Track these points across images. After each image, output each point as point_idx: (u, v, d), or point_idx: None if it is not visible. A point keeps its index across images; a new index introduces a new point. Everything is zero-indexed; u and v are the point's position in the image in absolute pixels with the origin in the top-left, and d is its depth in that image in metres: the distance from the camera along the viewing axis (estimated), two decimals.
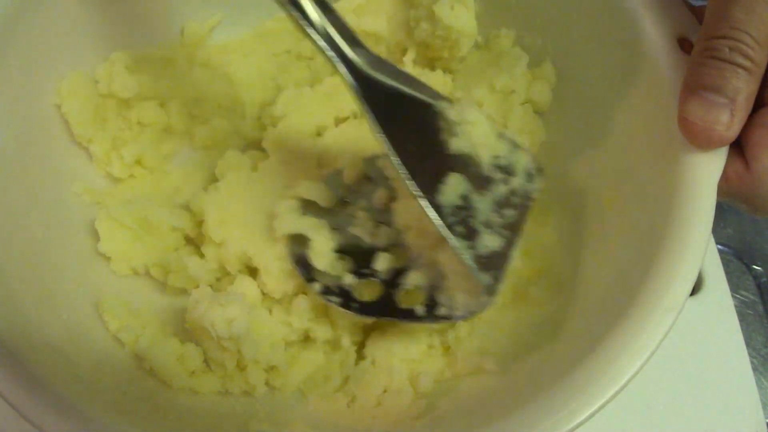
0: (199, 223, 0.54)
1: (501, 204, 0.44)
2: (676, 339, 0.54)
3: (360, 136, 0.57)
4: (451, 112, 0.44)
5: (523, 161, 0.45)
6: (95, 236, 0.52)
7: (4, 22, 0.48)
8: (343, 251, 0.50)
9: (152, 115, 0.57)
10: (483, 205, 0.43)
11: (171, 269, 0.54)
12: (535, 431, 0.37)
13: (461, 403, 0.48)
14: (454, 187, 0.43)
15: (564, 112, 0.57)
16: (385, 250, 0.49)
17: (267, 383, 0.51)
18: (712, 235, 0.60)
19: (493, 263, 0.42)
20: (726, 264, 0.63)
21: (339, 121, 0.58)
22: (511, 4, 0.57)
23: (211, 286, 0.54)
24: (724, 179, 0.41)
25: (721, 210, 0.70)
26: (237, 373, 0.50)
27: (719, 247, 0.65)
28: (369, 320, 0.51)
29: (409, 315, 0.47)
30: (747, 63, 0.38)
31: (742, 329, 0.59)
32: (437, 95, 0.45)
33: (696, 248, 0.39)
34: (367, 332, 0.53)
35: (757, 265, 0.68)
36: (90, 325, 0.49)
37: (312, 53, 0.62)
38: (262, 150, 0.58)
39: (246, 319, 0.47)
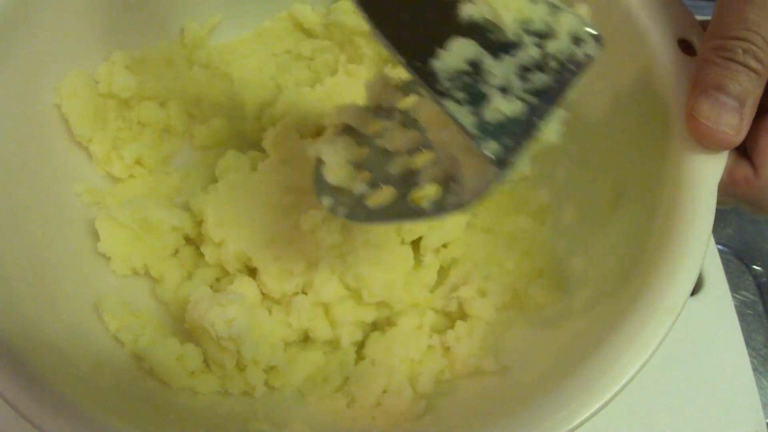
0: (199, 223, 0.54)
1: (529, 68, 0.35)
2: (676, 339, 0.54)
3: None
4: None
5: (568, 24, 0.36)
6: (95, 236, 0.52)
7: (5, 22, 0.48)
8: (362, 165, 0.45)
9: (152, 115, 0.57)
10: (500, 69, 0.35)
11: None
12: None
13: (461, 403, 0.48)
14: (457, 51, 0.35)
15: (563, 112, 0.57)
16: (409, 153, 0.44)
17: (266, 383, 0.51)
18: (712, 235, 0.61)
19: (507, 131, 0.34)
20: (726, 264, 0.63)
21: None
22: None
23: (210, 286, 0.54)
24: (733, 184, 0.41)
25: (721, 210, 0.70)
26: (236, 373, 0.50)
27: (719, 247, 0.65)
28: (375, 226, 0.47)
29: (417, 213, 0.40)
30: (758, 66, 0.38)
31: (742, 329, 0.59)
32: None
33: (696, 249, 0.39)
34: (366, 332, 0.53)
35: (757, 265, 0.68)
36: (90, 325, 0.49)
37: (312, 53, 0.62)
38: (262, 150, 0.58)
39: (246, 319, 0.47)
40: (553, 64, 0.35)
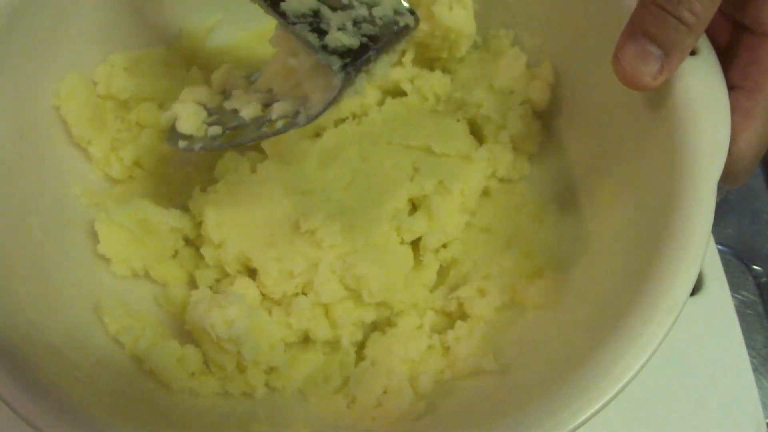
0: (198, 225, 0.54)
1: (360, 21, 0.44)
2: (676, 339, 0.54)
3: (360, 135, 0.57)
4: None
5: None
6: (95, 238, 0.52)
7: (3, 25, 0.48)
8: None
9: (151, 116, 0.57)
10: (336, 18, 0.44)
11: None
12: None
13: (461, 403, 0.48)
14: (296, 3, 0.43)
15: (563, 112, 0.57)
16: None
17: (267, 384, 0.51)
18: (712, 235, 0.61)
19: (345, 53, 0.43)
20: (726, 264, 0.62)
21: (338, 122, 0.58)
22: (509, 5, 0.57)
23: (210, 287, 0.54)
24: None
25: (721, 210, 0.70)
26: (237, 374, 0.50)
27: (719, 247, 0.64)
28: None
29: (270, 133, 0.47)
30: (691, 19, 0.38)
31: (742, 329, 0.59)
32: None
33: (696, 248, 0.39)
34: (366, 333, 0.53)
35: (757, 265, 0.68)
36: (90, 327, 0.49)
37: None
38: (261, 151, 0.57)
39: (246, 321, 0.47)
40: (379, 22, 0.44)
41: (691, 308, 0.58)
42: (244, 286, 0.52)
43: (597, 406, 0.37)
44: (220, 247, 0.53)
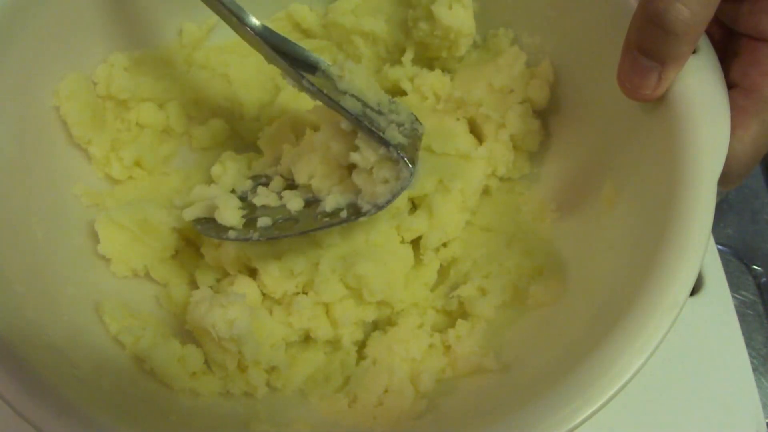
0: None
1: (397, 124, 0.49)
2: (676, 339, 0.54)
3: None
4: (335, 68, 0.49)
5: (404, 110, 0.51)
6: (95, 238, 0.52)
7: (2, 25, 0.48)
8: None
9: (151, 116, 0.57)
10: (382, 120, 0.49)
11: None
12: (537, 430, 0.37)
13: (463, 402, 0.48)
14: (351, 104, 0.48)
15: (562, 111, 0.57)
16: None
17: (268, 384, 0.51)
18: (711, 235, 0.61)
19: (403, 149, 0.47)
20: (726, 264, 0.63)
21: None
22: (509, 4, 0.57)
23: (211, 287, 0.54)
24: None
25: (721, 210, 0.70)
26: (238, 374, 0.50)
27: (719, 247, 0.64)
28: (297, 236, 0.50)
29: (333, 222, 0.49)
30: (680, 27, 0.38)
31: (742, 329, 0.59)
32: (318, 58, 0.50)
33: (696, 246, 0.39)
34: (367, 332, 0.53)
35: (757, 265, 0.68)
36: (90, 327, 0.49)
37: None
38: (260, 150, 0.58)
39: (247, 320, 0.47)
40: (407, 126, 0.49)
41: (691, 308, 0.58)
42: (244, 285, 0.52)
43: (598, 405, 0.37)
44: (221, 246, 0.53)
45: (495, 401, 0.45)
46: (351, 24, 0.59)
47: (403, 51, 0.60)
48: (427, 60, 0.60)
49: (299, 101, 0.59)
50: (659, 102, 0.44)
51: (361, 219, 0.48)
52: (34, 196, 0.50)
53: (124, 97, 0.55)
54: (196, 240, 0.55)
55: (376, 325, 0.54)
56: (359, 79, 0.49)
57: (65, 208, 0.53)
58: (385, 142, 0.47)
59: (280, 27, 0.61)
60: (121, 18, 0.55)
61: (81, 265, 0.52)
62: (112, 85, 0.54)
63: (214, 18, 0.59)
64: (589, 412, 0.37)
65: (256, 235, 0.49)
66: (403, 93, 0.60)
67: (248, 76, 0.60)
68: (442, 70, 0.60)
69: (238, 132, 0.61)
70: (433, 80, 0.59)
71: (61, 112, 0.53)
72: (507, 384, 0.47)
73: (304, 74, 0.48)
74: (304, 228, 0.49)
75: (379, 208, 0.48)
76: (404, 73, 0.59)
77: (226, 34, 0.60)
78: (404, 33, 0.59)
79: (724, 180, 0.42)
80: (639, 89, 0.42)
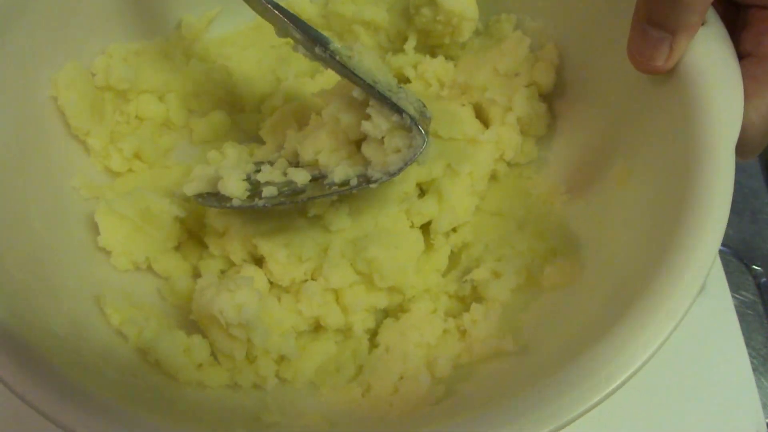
0: (201, 215, 0.53)
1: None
2: (676, 339, 0.53)
3: None
4: (345, 49, 0.48)
5: (411, 94, 0.49)
6: (95, 230, 0.50)
7: (1, 15, 0.47)
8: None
9: (151, 108, 0.56)
10: (391, 95, 0.47)
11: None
12: (555, 406, 0.35)
13: (481, 385, 0.46)
14: (363, 75, 0.47)
15: (569, 94, 0.57)
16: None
17: (277, 375, 0.49)
18: None
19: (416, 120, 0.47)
20: (726, 264, 0.63)
21: None
22: None
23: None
24: None
25: None
26: (246, 365, 0.48)
27: (719, 247, 0.64)
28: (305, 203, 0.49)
29: (342, 190, 0.48)
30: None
31: (742, 329, 0.58)
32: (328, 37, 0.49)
33: (718, 215, 0.39)
34: (379, 319, 0.52)
35: (757, 265, 0.67)
36: (92, 320, 0.47)
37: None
38: (262, 142, 0.57)
39: (255, 304, 0.45)
40: (416, 105, 0.48)
41: (691, 308, 0.58)
42: (251, 274, 0.50)
43: (615, 384, 0.35)
44: (225, 235, 0.51)
45: (514, 382, 0.44)
46: (351, 13, 0.58)
47: (404, 39, 0.59)
48: (430, 48, 0.60)
49: (301, 91, 0.58)
50: (670, 74, 0.43)
51: (372, 185, 0.47)
52: (32, 186, 0.49)
53: (123, 88, 0.54)
54: (198, 232, 0.54)
55: (387, 313, 0.53)
56: (369, 59, 0.48)
57: (65, 200, 0.51)
58: (398, 109, 0.46)
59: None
60: (120, 9, 0.55)
61: (82, 257, 0.50)
62: (111, 76, 0.53)
63: (214, 10, 0.59)
64: (607, 391, 0.35)
65: (261, 203, 0.47)
66: (407, 81, 0.59)
67: (249, 68, 0.60)
68: (445, 57, 0.59)
69: (239, 124, 0.60)
70: (437, 67, 0.58)
71: (59, 102, 0.52)
72: (526, 365, 0.45)
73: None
74: (311, 195, 0.48)
75: (391, 175, 0.47)
76: (407, 60, 0.59)
77: (225, 26, 0.60)
78: (406, 20, 0.59)
79: (742, 150, 0.41)
80: (651, 61, 0.42)
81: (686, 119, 0.42)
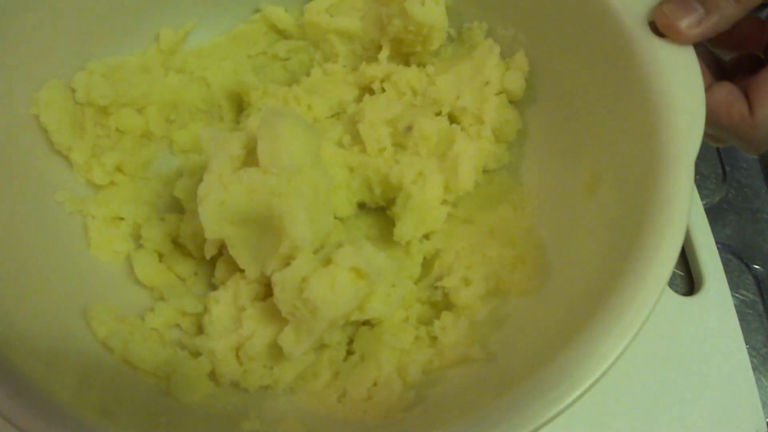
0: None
1: None
2: (677, 339, 0.54)
3: None
4: None
5: None
6: (81, 243, 0.52)
7: None
8: None
9: (130, 121, 0.57)
10: None
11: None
12: (525, 414, 0.37)
13: (450, 392, 0.48)
14: None
15: (538, 100, 0.58)
16: None
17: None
18: (711, 235, 0.62)
19: None
20: (726, 264, 0.63)
21: (317, 119, 0.59)
22: None
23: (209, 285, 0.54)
24: (730, 119, 0.44)
25: (721, 210, 0.70)
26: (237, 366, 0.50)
27: (719, 246, 0.65)
28: None
29: None
30: None
31: (742, 329, 0.59)
32: None
33: (676, 226, 0.40)
34: (354, 328, 0.54)
35: (757, 265, 0.68)
36: (78, 332, 0.49)
37: (287, 54, 0.63)
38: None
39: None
40: None
41: (691, 308, 0.59)
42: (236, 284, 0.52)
43: (585, 386, 0.37)
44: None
45: (482, 389, 0.46)
46: (326, 23, 0.59)
47: (378, 48, 0.60)
48: (403, 56, 0.61)
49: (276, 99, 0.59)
50: (633, 85, 0.45)
51: None
52: (17, 202, 0.50)
53: (104, 104, 0.55)
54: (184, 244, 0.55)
55: (363, 321, 0.54)
56: None
57: (49, 215, 0.53)
58: None
59: (257, 29, 0.62)
60: (99, 25, 0.55)
61: (67, 271, 0.51)
62: (92, 92, 0.54)
63: (191, 22, 0.60)
64: (576, 395, 0.37)
65: None
66: (381, 90, 0.60)
67: (226, 79, 0.60)
68: (418, 65, 0.60)
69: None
70: (410, 76, 0.59)
71: (40, 120, 0.52)
72: (493, 372, 0.47)
73: None
74: None
75: None
76: (381, 70, 0.60)
77: (202, 38, 0.61)
78: (379, 30, 0.60)
79: (749, 146, 0.44)
80: (677, 21, 0.43)
81: (649, 132, 0.43)
